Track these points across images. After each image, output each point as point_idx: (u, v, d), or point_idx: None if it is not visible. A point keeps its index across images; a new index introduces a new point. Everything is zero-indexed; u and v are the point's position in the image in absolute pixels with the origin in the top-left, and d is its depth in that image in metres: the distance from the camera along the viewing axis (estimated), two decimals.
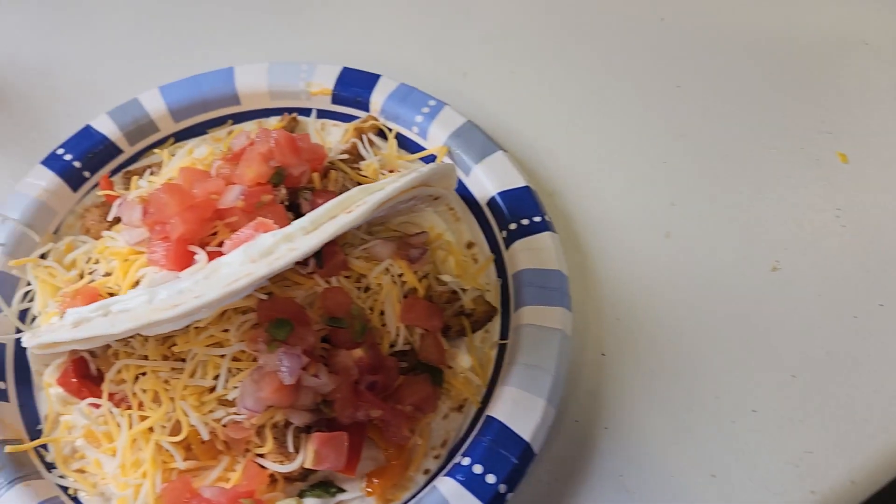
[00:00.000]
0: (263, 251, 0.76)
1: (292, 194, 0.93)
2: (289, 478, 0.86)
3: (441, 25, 1.26)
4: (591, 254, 1.05)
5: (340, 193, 0.95)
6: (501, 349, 0.95)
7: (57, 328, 0.80)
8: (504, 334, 0.96)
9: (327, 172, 0.96)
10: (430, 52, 1.23)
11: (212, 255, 0.87)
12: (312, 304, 0.87)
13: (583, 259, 1.04)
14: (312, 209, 0.92)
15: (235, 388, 0.82)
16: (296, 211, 0.93)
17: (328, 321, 0.85)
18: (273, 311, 0.83)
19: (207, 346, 0.83)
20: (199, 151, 1.08)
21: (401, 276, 0.92)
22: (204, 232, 0.89)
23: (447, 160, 1.05)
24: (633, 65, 1.21)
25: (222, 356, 0.83)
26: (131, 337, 0.87)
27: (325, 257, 0.87)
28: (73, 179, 1.03)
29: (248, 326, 0.84)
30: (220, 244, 0.89)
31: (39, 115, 1.16)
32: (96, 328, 0.76)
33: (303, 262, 0.86)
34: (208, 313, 0.80)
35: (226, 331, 0.84)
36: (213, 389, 0.84)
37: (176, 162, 0.99)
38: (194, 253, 0.88)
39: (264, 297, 0.83)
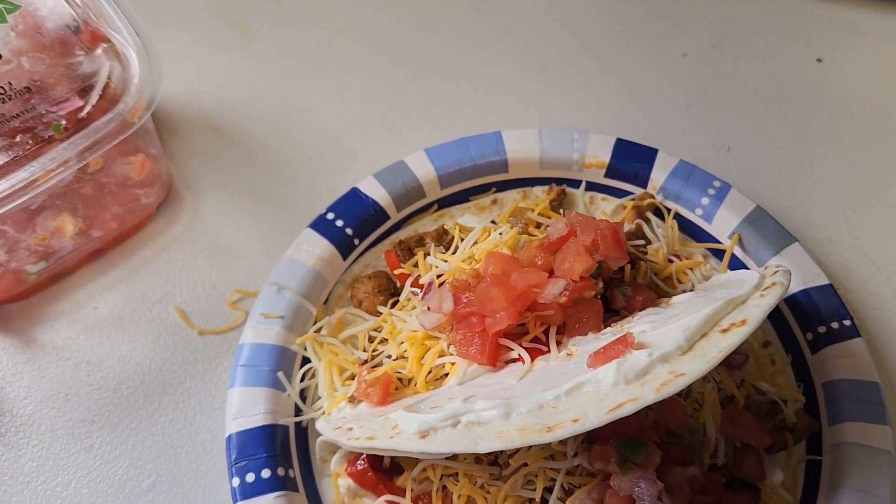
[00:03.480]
0: (639, 371, 0.70)
1: (605, 286, 0.86)
2: None
3: (701, 92, 1.19)
4: (887, 358, 0.98)
5: (649, 286, 0.90)
6: (809, 465, 0.88)
7: (398, 436, 0.74)
8: (812, 449, 0.89)
9: (634, 263, 0.90)
10: (690, 120, 1.16)
11: (530, 353, 0.82)
12: (637, 414, 0.81)
13: (879, 364, 0.97)
14: (628, 305, 0.87)
15: None
16: (605, 303, 0.87)
17: (666, 436, 0.79)
18: (615, 426, 0.76)
19: (544, 458, 0.77)
20: (464, 220, 1.02)
21: (719, 382, 0.85)
22: (516, 324, 0.83)
23: (738, 249, 0.98)
24: None
25: (556, 469, 0.77)
26: None
27: None
28: (344, 247, 0.98)
29: (582, 438, 0.78)
30: (533, 339, 0.83)
31: (286, 168, 1.11)
32: (454, 444, 0.70)
33: None
34: None
35: (561, 442, 0.78)
36: (531, 501, 0.79)
37: (470, 241, 0.93)
38: (506, 347, 0.83)
39: None
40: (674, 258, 0.97)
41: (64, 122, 0.86)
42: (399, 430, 0.75)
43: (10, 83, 0.85)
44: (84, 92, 0.89)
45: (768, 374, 0.93)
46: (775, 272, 0.82)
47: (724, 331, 0.72)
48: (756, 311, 0.73)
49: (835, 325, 0.92)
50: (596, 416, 0.67)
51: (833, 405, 0.89)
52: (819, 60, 1.22)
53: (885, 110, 1.17)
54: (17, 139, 0.84)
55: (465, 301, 0.84)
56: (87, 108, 0.88)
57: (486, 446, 0.69)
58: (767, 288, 0.77)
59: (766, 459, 0.87)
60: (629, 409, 0.66)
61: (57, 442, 0.91)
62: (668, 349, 0.71)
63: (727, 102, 1.18)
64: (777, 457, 0.88)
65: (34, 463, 0.89)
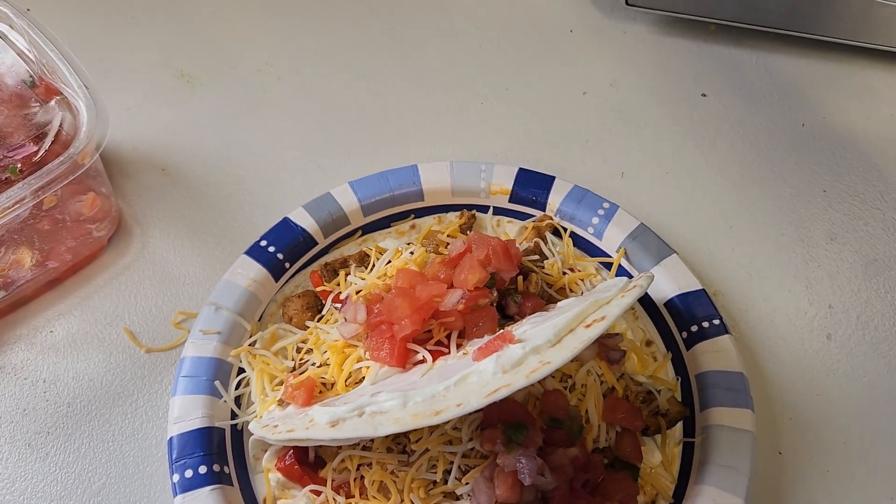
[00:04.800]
0: (514, 362, 0.82)
1: (500, 295, 0.99)
2: None
3: (599, 125, 1.34)
4: (757, 354, 1.11)
5: (541, 295, 1.03)
6: (685, 446, 1.01)
7: (312, 427, 0.85)
8: (687, 432, 1.02)
9: (527, 275, 1.03)
10: (589, 150, 1.30)
11: (433, 354, 0.94)
12: (527, 403, 0.94)
13: (751, 359, 1.10)
14: (520, 311, 1.00)
15: (466, 483, 0.88)
16: (501, 311, 0.99)
17: (549, 422, 0.91)
18: (503, 413, 0.89)
19: (443, 443, 0.89)
20: (385, 244, 1.15)
21: (601, 375, 0.98)
22: (422, 330, 0.95)
23: (625, 261, 1.12)
24: (779, 168, 1.28)
25: (453, 453, 0.89)
26: None
27: None
28: (276, 270, 1.10)
29: (475, 425, 0.90)
30: (437, 343, 0.96)
31: (225, 203, 1.23)
32: (358, 430, 0.82)
33: None
34: None
35: (456, 429, 0.90)
36: (435, 483, 0.90)
37: (385, 260, 1.06)
38: (413, 351, 0.95)
39: None
40: (568, 271, 1.11)
41: (19, 165, 0.97)
42: (314, 422, 0.86)
43: None
44: (38, 138, 1.00)
45: (650, 369, 1.06)
46: (640, 277, 0.95)
47: (588, 326, 0.85)
48: (615, 308, 0.86)
49: (706, 324, 1.05)
50: (476, 401, 0.78)
51: (704, 393, 1.01)
52: (704, 95, 1.38)
53: (760, 136, 1.32)
54: None
55: (376, 311, 0.96)
56: (41, 153, 0.99)
57: (384, 430, 0.80)
58: (629, 290, 0.91)
59: (645, 442, 0.99)
60: (503, 393, 0.78)
61: (15, 452, 1.01)
62: (539, 343, 0.83)
63: (622, 134, 1.33)
64: (657, 440, 1.00)
65: None
